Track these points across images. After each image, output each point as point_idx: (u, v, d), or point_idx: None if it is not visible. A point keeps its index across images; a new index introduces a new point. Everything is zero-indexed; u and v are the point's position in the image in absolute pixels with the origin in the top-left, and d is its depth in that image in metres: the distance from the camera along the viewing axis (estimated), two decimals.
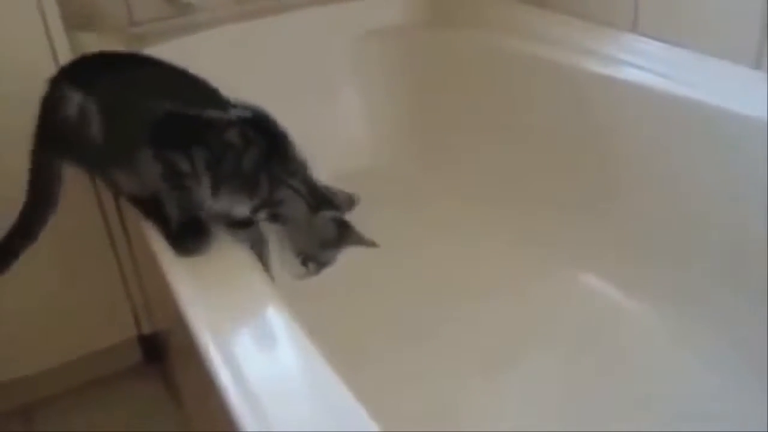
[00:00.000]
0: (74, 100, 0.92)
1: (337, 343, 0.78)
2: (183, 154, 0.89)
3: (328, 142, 1.72)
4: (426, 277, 1.45)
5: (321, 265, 0.94)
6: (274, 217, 0.92)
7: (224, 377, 0.72)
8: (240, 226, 0.95)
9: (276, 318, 0.82)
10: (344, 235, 0.94)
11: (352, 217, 0.97)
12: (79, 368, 1.39)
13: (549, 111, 1.48)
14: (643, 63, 1.31)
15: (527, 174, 1.55)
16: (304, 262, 0.94)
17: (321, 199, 0.93)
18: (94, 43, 1.41)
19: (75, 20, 1.35)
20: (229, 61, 1.64)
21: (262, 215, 0.92)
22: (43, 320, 1.31)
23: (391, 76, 1.78)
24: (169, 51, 1.56)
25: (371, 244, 0.95)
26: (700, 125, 1.20)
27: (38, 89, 0.96)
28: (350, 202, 0.97)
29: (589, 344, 1.27)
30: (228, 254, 0.92)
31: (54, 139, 0.96)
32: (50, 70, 1.00)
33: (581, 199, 1.45)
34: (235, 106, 0.95)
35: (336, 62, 1.77)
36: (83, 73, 0.98)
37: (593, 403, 1.16)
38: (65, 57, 1.18)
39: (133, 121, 0.92)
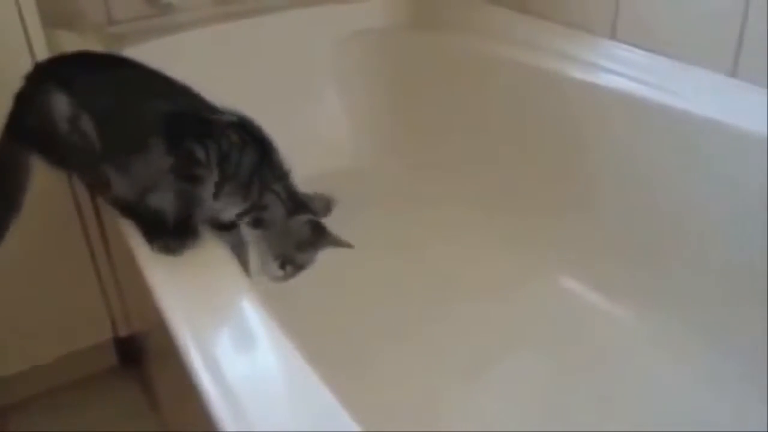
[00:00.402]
0: (61, 99, 0.90)
1: (317, 345, 0.78)
2: (200, 145, 0.90)
3: (310, 142, 1.72)
4: (406, 278, 1.45)
5: (298, 267, 0.95)
6: (257, 222, 0.93)
7: (204, 378, 0.71)
8: (223, 228, 0.95)
9: (256, 318, 0.81)
10: (320, 237, 0.95)
11: (333, 217, 0.98)
12: (55, 370, 1.37)
13: (529, 115, 1.50)
14: (621, 69, 1.33)
15: (509, 176, 1.56)
16: (282, 265, 0.94)
17: (298, 203, 0.94)
18: (72, 42, 1.41)
19: (53, 18, 1.33)
20: (209, 62, 1.63)
21: (246, 219, 0.93)
22: (17, 323, 1.29)
23: (372, 77, 1.79)
24: (149, 51, 1.56)
25: (347, 245, 0.96)
26: (676, 131, 1.22)
27: (14, 86, 0.94)
28: (327, 206, 0.98)
29: (570, 346, 1.28)
30: (207, 254, 0.92)
31: (31, 136, 0.94)
32: (27, 67, 0.98)
33: (563, 202, 1.46)
34: (221, 111, 0.95)
35: (318, 64, 1.77)
36: (65, 71, 0.96)
37: (572, 405, 1.17)
38: (42, 54, 1.16)
39: (133, 120, 0.91)
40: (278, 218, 0.93)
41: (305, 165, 1.71)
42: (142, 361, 1.40)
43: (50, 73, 0.96)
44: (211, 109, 0.95)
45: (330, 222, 1.43)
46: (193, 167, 0.90)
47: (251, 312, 0.83)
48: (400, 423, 1.09)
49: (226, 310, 0.83)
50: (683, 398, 1.17)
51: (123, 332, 1.41)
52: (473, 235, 1.54)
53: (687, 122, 1.20)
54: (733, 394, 1.14)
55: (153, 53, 1.55)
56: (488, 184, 1.59)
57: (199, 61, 1.62)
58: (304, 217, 0.93)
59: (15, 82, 0.94)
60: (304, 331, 0.79)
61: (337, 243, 0.96)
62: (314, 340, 0.78)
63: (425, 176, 1.70)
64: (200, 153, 0.89)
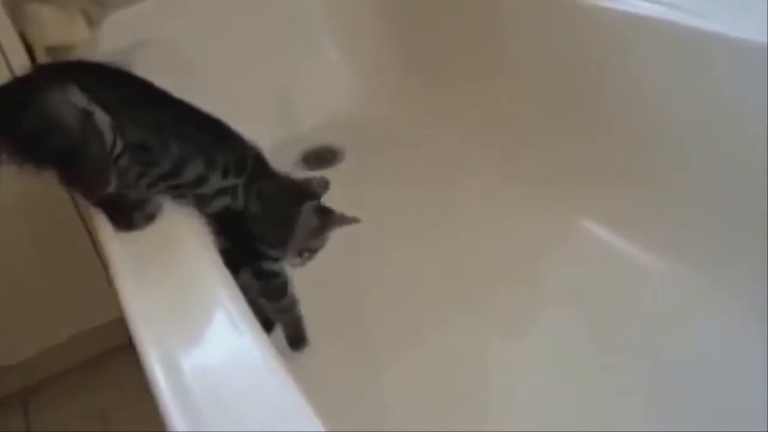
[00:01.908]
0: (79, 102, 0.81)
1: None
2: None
3: (310, 91, 1.68)
4: (416, 224, 1.39)
5: (313, 251, 1.01)
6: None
7: (158, 373, 0.67)
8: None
9: (222, 307, 0.76)
10: (327, 220, 0.99)
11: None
12: (69, 350, 1.38)
13: (540, 43, 1.37)
14: None
15: (518, 111, 1.46)
16: (300, 253, 1.00)
17: (301, 193, 0.98)
18: (51, 16, 1.35)
19: None
20: (201, 19, 1.58)
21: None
22: (29, 308, 1.30)
23: (367, 17, 1.70)
24: (139, 14, 1.52)
25: (354, 220, 1.01)
26: (696, 50, 1.10)
27: None
28: (325, 184, 1.01)
29: (589, 289, 1.23)
30: (177, 238, 0.87)
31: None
32: None
33: (580, 140, 1.35)
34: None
35: (310, 8, 1.70)
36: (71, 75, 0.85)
37: (590, 352, 1.12)
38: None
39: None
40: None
41: (308, 115, 1.70)
42: None
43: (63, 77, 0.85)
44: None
45: (341, 171, 1.53)
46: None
47: (218, 300, 0.77)
48: (445, 383, 1.09)
49: (190, 298, 0.78)
50: (705, 339, 1.11)
51: None
52: (488, 177, 1.47)
53: (706, 40, 1.07)
54: (753, 332, 1.07)
55: (142, 16, 1.52)
56: (499, 125, 1.50)
57: (192, 18, 1.57)
58: (309, 206, 0.97)
59: None
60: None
61: (345, 221, 1.00)
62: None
63: (434, 119, 1.61)
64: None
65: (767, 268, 1.05)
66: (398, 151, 1.60)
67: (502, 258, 1.30)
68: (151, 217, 0.87)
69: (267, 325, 1.09)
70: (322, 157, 1.65)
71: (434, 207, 1.43)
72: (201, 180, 0.89)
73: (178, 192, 0.90)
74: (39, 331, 1.33)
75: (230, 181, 0.93)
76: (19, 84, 0.86)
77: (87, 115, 0.79)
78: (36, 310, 1.31)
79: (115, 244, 0.85)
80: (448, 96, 1.61)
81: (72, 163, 0.82)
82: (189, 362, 0.69)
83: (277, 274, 1.02)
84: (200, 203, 0.91)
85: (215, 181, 0.91)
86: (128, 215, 0.87)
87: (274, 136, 1.60)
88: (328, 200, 1.03)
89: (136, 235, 0.86)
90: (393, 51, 1.71)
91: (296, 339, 1.12)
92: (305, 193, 0.98)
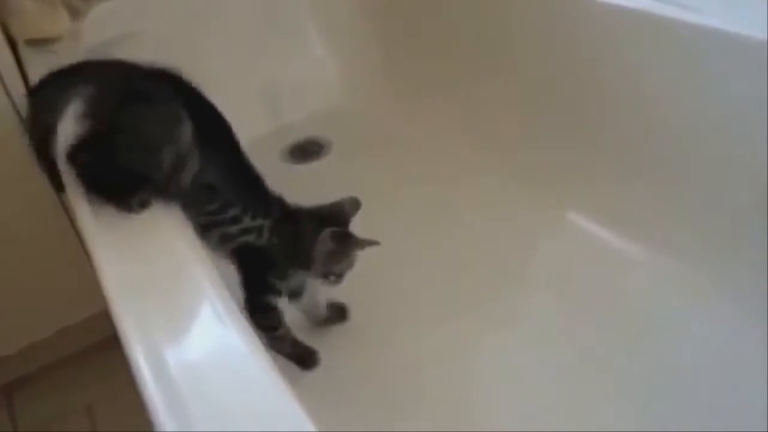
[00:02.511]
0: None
1: None
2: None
3: (296, 84, 1.68)
4: (403, 219, 1.39)
5: (339, 275, 1.05)
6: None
7: (144, 367, 0.67)
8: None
9: (208, 301, 0.76)
10: (345, 245, 1.01)
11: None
12: (55, 344, 1.37)
13: (531, 38, 1.38)
14: None
15: (507, 107, 1.47)
16: (325, 276, 1.04)
17: (322, 220, 1.02)
18: (37, 10, 1.33)
19: None
20: (185, 12, 1.56)
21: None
22: (15, 303, 1.29)
23: (353, 11, 1.69)
24: (120, 8, 1.50)
25: (373, 243, 1.01)
26: (689, 46, 1.11)
27: None
28: (355, 204, 1.04)
29: (578, 281, 1.23)
30: (162, 233, 0.86)
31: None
32: None
33: (569, 134, 1.36)
34: None
35: (296, 2, 1.69)
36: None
37: (583, 346, 1.13)
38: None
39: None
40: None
41: (294, 108, 1.69)
42: None
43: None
44: None
45: (327, 164, 1.56)
46: None
47: (206, 295, 0.77)
48: (439, 379, 1.10)
49: (177, 293, 0.78)
50: (697, 337, 1.12)
51: None
52: (476, 171, 1.47)
53: (701, 36, 1.08)
54: (748, 330, 1.08)
55: (125, 8, 1.50)
56: (485, 120, 1.50)
57: (177, 11, 1.55)
58: (326, 233, 0.99)
59: None
60: None
61: (364, 245, 1.01)
62: None
63: (420, 113, 1.62)
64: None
65: (766, 263, 1.05)
66: (384, 145, 1.60)
67: (493, 254, 1.31)
68: (144, 204, 0.88)
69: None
70: (308, 150, 1.65)
71: (421, 200, 1.43)
72: (235, 220, 0.97)
73: (208, 226, 0.95)
74: (24, 326, 1.32)
75: (257, 222, 0.99)
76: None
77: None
78: (20, 305, 1.30)
79: (99, 237, 0.85)
80: (434, 90, 1.61)
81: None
82: (175, 356, 0.69)
83: (274, 308, 1.05)
84: (225, 240, 0.98)
85: (246, 221, 0.98)
86: (126, 199, 0.87)
87: (260, 128, 1.61)
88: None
89: (121, 230, 0.85)
90: (379, 44, 1.71)
91: (306, 357, 1.13)
92: (325, 220, 1.02)
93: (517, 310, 1.21)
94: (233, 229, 0.97)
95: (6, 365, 1.36)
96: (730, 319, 1.11)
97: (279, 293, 1.05)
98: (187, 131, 0.87)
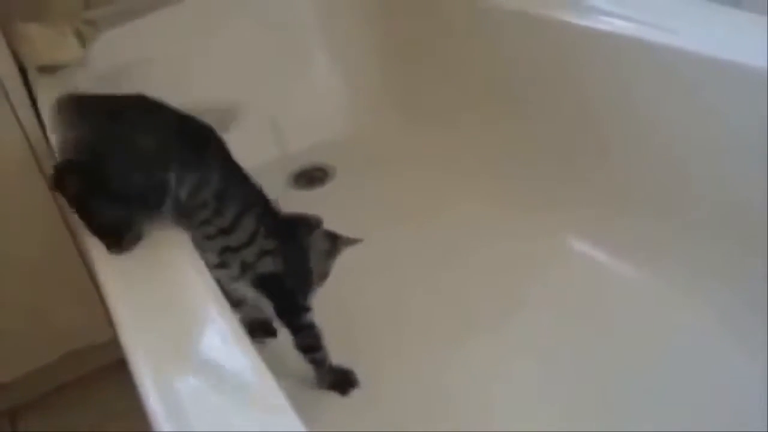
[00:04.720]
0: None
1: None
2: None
3: (301, 111, 1.69)
4: (412, 244, 1.39)
5: (324, 276, 1.05)
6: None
7: (150, 391, 0.68)
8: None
9: (215, 325, 0.76)
10: (336, 243, 1.04)
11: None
12: (60, 369, 1.37)
13: (528, 65, 1.39)
14: (623, 11, 1.22)
15: (509, 135, 1.47)
16: (322, 278, 1.05)
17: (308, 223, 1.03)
18: (44, 36, 1.36)
19: (23, 8, 1.29)
20: (192, 41, 1.58)
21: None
22: (20, 329, 1.29)
23: (359, 38, 1.71)
24: (129, 33, 1.52)
25: (357, 241, 1.05)
26: (683, 73, 1.12)
27: None
28: (317, 221, 1.04)
29: (580, 306, 1.23)
30: (167, 256, 0.87)
31: None
32: None
33: (566, 160, 1.37)
34: None
35: (304, 23, 1.71)
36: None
37: (583, 368, 1.12)
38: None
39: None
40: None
41: (298, 135, 1.71)
42: None
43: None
44: None
45: (331, 191, 1.58)
46: None
47: (212, 318, 0.77)
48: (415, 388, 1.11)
49: (183, 318, 0.78)
50: (696, 355, 1.12)
51: None
52: (478, 198, 1.47)
53: (688, 62, 1.10)
54: (752, 354, 1.07)
55: (133, 34, 1.53)
56: (488, 147, 1.51)
57: (183, 39, 1.58)
58: (319, 231, 1.02)
59: None
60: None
61: (350, 243, 1.05)
62: None
63: (424, 141, 1.63)
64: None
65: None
66: (389, 172, 1.61)
67: (494, 280, 1.30)
68: (137, 239, 0.87)
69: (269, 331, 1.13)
70: (312, 176, 1.66)
71: (424, 225, 1.43)
72: (253, 237, 0.94)
73: (226, 255, 0.93)
74: (29, 350, 1.32)
75: (271, 243, 0.96)
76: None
77: None
78: (26, 329, 1.30)
79: (106, 263, 0.85)
80: (438, 118, 1.63)
81: None
82: (182, 381, 0.69)
83: (313, 326, 1.04)
84: (245, 268, 0.95)
85: (260, 241, 0.95)
86: (118, 238, 0.86)
87: (264, 155, 1.62)
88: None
89: (128, 254, 0.86)
90: (384, 72, 1.72)
91: (345, 380, 1.11)
92: (310, 222, 1.02)
93: (520, 334, 1.20)
94: (249, 255, 0.95)
95: (10, 390, 1.36)
96: (730, 345, 1.11)
97: (309, 310, 1.04)
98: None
